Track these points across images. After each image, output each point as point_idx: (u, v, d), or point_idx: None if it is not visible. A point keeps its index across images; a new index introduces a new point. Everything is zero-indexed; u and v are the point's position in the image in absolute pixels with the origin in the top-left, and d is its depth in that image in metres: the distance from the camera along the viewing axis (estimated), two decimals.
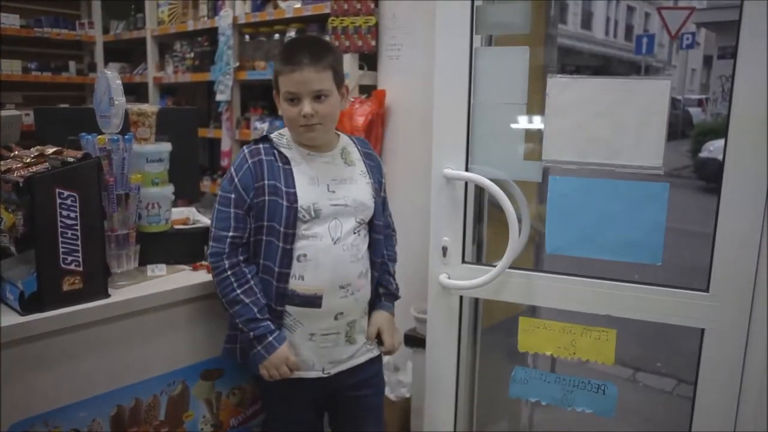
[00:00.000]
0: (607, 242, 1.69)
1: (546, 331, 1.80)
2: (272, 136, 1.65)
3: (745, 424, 1.57)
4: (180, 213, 1.98)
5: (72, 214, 1.45)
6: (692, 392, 1.66)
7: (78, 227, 1.46)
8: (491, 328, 2.19)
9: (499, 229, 1.83)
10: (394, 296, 1.78)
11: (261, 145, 1.61)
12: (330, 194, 1.59)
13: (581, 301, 1.73)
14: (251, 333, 1.55)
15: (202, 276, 1.73)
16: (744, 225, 1.52)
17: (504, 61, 1.77)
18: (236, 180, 1.57)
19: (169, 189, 1.79)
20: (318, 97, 1.53)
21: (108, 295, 1.53)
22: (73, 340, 1.47)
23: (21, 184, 1.41)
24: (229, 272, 1.55)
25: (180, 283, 1.67)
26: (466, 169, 1.81)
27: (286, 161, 1.59)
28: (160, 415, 1.64)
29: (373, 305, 1.74)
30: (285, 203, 1.54)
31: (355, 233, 1.62)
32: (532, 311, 2.42)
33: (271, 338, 1.56)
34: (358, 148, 1.72)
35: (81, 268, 1.48)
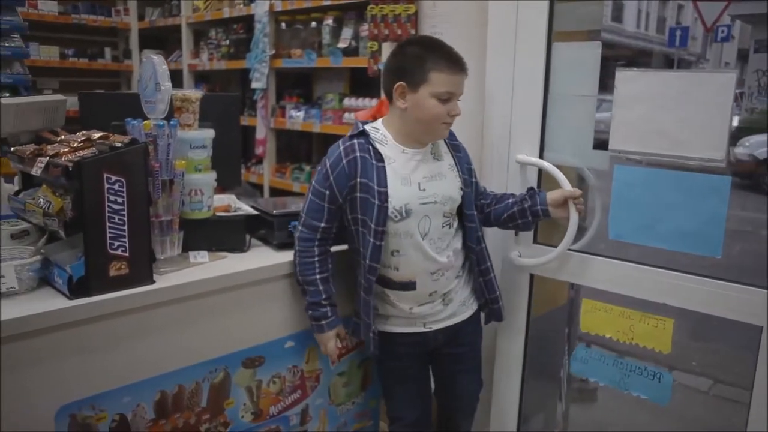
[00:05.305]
0: (667, 232, 1.72)
1: (606, 314, 1.85)
2: (367, 129, 1.69)
3: None
4: (220, 200, 1.97)
5: (119, 200, 1.45)
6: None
7: (125, 212, 1.46)
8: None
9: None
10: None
11: (356, 141, 1.67)
12: (420, 193, 1.66)
13: (638, 288, 1.77)
14: (309, 312, 1.74)
15: (244, 263, 1.72)
16: None
17: (577, 55, 1.85)
18: (331, 178, 1.65)
19: (212, 176, 1.78)
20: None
21: (153, 281, 1.53)
22: (119, 325, 1.47)
23: (71, 169, 1.41)
24: (317, 259, 1.70)
25: (223, 271, 1.66)
26: (541, 156, 1.93)
27: (379, 158, 1.65)
28: (202, 402, 1.64)
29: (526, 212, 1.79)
30: (377, 202, 1.62)
31: (443, 227, 1.71)
32: (571, 305, 2.41)
33: (324, 322, 1.74)
34: (445, 141, 1.76)
35: (127, 254, 1.47)
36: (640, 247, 1.78)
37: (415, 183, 1.66)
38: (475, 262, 1.80)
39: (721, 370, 3.34)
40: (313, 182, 1.70)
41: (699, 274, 1.69)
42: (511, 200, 1.82)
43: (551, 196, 1.77)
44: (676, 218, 1.70)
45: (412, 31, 2.63)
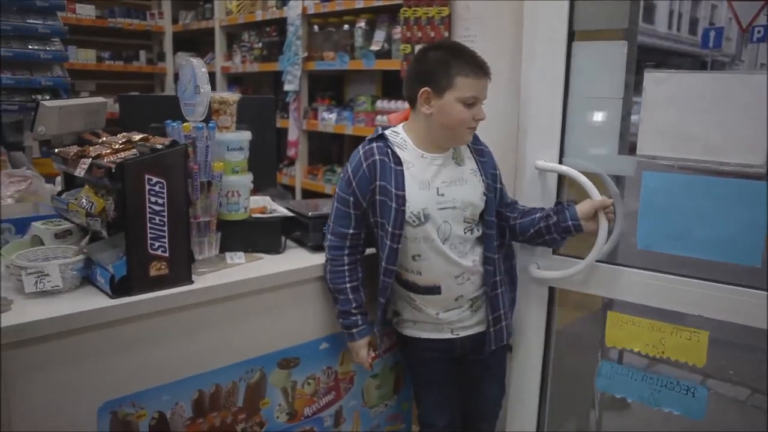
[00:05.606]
0: (701, 241, 1.64)
1: (634, 327, 1.77)
2: (387, 133, 1.69)
3: None
4: (255, 202, 1.98)
5: (160, 201, 1.47)
6: None
7: (165, 213, 1.48)
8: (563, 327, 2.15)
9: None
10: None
11: (375, 144, 1.67)
12: (439, 198, 1.66)
13: (672, 299, 1.70)
14: (340, 320, 1.75)
15: (280, 265, 1.73)
16: None
17: (600, 55, 1.77)
18: (354, 184, 1.66)
19: (249, 177, 1.80)
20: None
21: (192, 282, 1.55)
22: (158, 325, 1.50)
23: (113, 170, 1.43)
24: (346, 267, 1.71)
25: (260, 272, 1.67)
26: (560, 162, 1.84)
27: (398, 162, 1.65)
28: (239, 402, 1.65)
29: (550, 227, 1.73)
30: (394, 205, 1.62)
31: (465, 233, 1.70)
32: (605, 310, 2.37)
33: (354, 331, 1.74)
34: (468, 146, 1.74)
35: (167, 254, 1.49)
36: (665, 256, 1.70)
37: (433, 188, 1.65)
38: (491, 273, 1.74)
39: (760, 379, 3.26)
40: (337, 190, 1.71)
41: (735, 284, 1.62)
42: (538, 215, 1.74)
43: (581, 208, 1.69)
44: (710, 226, 1.62)
45: (446, 34, 2.62)
